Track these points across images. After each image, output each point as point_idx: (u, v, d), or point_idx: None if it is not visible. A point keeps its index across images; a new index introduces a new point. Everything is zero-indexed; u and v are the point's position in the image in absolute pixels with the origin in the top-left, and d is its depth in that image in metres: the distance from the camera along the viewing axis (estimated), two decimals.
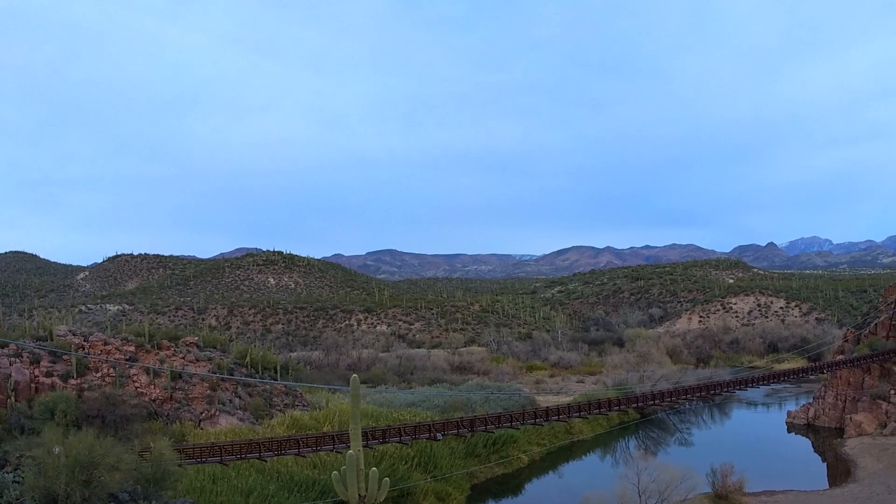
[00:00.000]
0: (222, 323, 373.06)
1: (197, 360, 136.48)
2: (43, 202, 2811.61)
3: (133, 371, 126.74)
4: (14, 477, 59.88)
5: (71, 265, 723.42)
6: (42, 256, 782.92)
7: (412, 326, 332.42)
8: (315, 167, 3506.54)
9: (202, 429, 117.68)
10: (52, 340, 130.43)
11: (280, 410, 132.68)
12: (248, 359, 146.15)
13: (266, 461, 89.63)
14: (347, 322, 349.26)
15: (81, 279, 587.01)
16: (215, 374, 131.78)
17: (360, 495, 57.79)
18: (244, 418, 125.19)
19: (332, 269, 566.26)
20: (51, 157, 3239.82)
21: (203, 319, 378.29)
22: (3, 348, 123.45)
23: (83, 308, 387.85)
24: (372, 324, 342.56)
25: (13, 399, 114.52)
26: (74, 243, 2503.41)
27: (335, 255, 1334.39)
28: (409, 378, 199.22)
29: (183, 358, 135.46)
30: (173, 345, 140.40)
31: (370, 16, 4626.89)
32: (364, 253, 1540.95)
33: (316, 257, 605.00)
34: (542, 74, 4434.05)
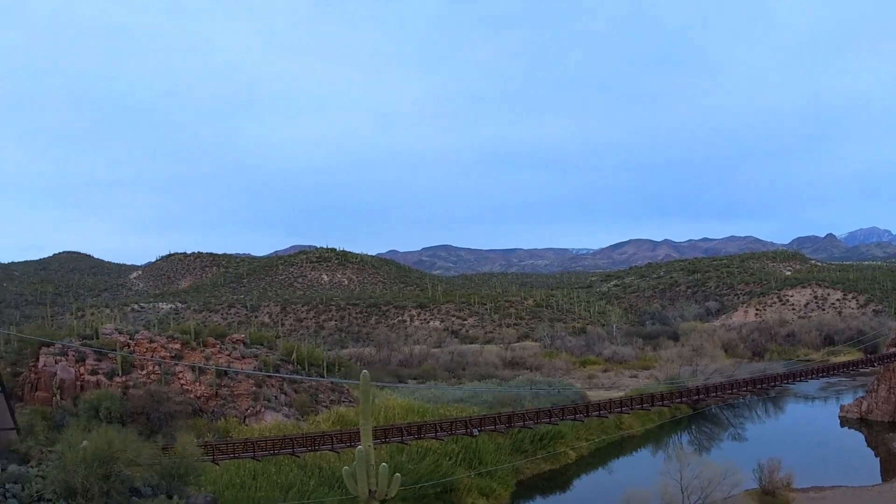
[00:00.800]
0: (275, 320, 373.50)
1: (243, 357, 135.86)
2: (96, 203, 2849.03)
3: (178, 368, 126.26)
4: (38, 471, 59.00)
5: (124, 264, 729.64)
6: (95, 256, 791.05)
7: (465, 322, 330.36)
8: (369, 165, 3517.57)
9: (247, 425, 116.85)
10: (98, 339, 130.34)
11: (326, 407, 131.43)
12: (294, 355, 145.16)
13: (300, 457, 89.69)
14: (400, 318, 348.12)
15: (134, 278, 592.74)
16: (260, 370, 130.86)
17: (370, 491, 56.30)
18: (289, 414, 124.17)
19: (385, 266, 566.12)
20: (103, 160, 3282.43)
21: (256, 317, 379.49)
22: (48, 347, 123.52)
23: (135, 307, 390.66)
24: (425, 320, 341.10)
25: (58, 397, 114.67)
26: (128, 244, 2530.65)
27: (390, 251, 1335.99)
28: (460, 374, 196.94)
29: (229, 355, 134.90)
30: (219, 342, 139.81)
31: (421, 13, 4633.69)
32: (419, 249, 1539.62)
33: (371, 254, 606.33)
34: (596, 69, 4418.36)
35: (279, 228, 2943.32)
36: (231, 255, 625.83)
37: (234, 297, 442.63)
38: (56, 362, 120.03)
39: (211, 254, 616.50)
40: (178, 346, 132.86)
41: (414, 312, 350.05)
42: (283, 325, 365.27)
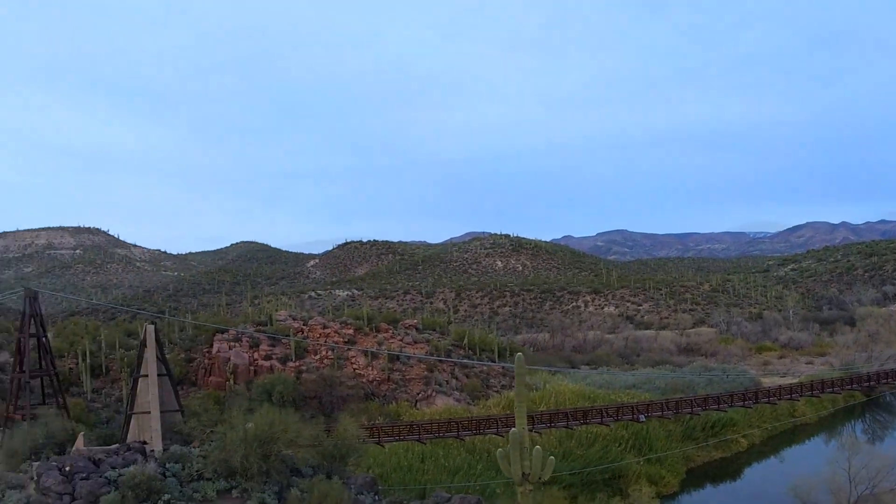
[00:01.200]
0: (450, 306, 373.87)
1: (415, 342, 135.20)
2: (274, 195, 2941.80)
3: (351, 353, 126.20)
4: (200, 451, 58.67)
5: (301, 253, 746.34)
6: (274, 246, 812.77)
7: (640, 307, 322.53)
8: (542, 150, 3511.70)
9: (418, 409, 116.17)
10: (272, 325, 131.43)
11: (497, 391, 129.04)
12: (465, 341, 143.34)
13: (464, 440, 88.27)
14: (574, 304, 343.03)
15: (312, 267, 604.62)
16: (432, 355, 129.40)
17: (523, 473, 53.55)
18: (460, 399, 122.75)
19: (559, 251, 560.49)
20: (281, 152, 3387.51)
21: (431, 303, 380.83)
22: (222, 333, 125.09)
23: (312, 294, 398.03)
24: (599, 305, 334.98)
25: (232, 381, 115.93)
26: (304, 233, 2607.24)
27: (565, 236, 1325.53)
28: (633, 360, 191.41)
29: (401, 340, 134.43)
30: (392, 327, 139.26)
31: None
32: (594, 234, 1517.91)
33: (545, 240, 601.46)
34: (771, 47, 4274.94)
35: (453, 216, 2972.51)
36: (406, 242, 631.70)
37: (410, 283, 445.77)
38: (230, 348, 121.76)
39: (386, 242, 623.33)
40: (351, 331, 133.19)
41: (588, 298, 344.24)
42: (457, 311, 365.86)
